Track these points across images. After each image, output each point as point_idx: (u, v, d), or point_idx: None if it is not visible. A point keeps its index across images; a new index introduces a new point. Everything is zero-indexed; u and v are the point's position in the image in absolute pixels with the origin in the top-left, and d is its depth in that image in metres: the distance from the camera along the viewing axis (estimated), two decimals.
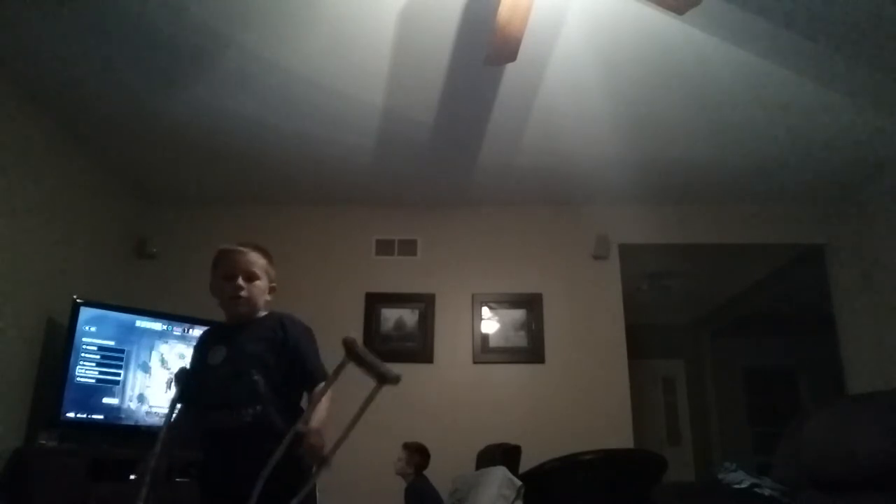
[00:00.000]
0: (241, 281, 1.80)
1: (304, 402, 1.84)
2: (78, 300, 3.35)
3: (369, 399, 1.48)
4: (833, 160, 3.81)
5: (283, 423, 1.68)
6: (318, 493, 1.73)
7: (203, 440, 1.74)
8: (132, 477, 3.07)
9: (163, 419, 3.52)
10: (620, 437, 3.95)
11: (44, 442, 3.11)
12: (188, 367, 1.88)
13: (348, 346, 1.50)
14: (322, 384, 1.69)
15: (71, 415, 3.24)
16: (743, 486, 2.31)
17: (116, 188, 4.13)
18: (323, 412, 1.66)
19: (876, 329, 4.02)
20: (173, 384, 1.84)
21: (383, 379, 1.50)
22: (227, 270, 1.82)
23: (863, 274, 4.17)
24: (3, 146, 3.10)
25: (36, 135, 3.34)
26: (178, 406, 1.84)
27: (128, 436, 3.40)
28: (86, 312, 3.37)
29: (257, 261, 1.85)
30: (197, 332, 3.73)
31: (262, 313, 1.87)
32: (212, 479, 1.73)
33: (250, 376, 1.71)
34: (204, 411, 1.75)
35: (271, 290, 1.89)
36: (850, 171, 3.94)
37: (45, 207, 3.41)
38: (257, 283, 1.83)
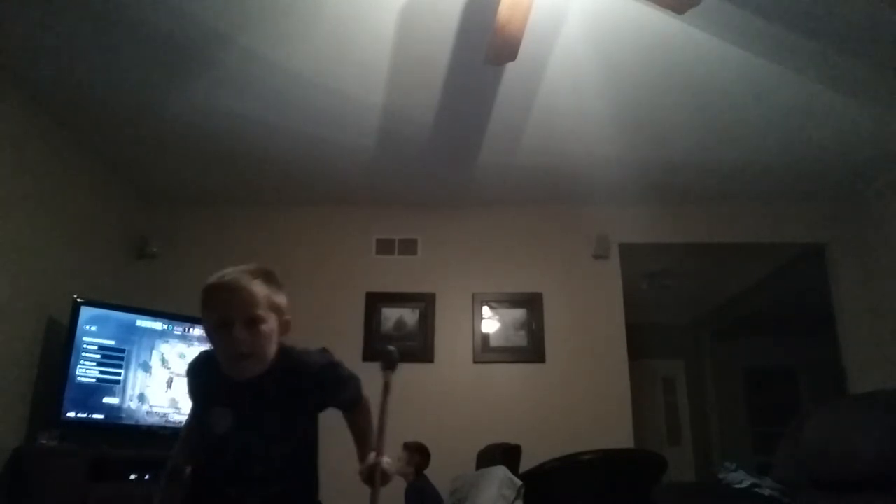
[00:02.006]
0: (239, 332, 1.33)
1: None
2: (78, 300, 3.35)
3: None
4: (833, 160, 3.81)
5: (304, 495, 1.46)
6: None
7: None
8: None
9: (163, 418, 3.53)
10: (620, 437, 3.95)
11: (44, 442, 3.11)
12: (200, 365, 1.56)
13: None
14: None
15: (71, 414, 3.24)
16: (743, 486, 2.31)
17: (116, 188, 4.14)
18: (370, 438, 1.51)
19: (876, 329, 4.02)
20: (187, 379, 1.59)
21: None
22: (219, 316, 1.34)
23: (863, 274, 4.17)
24: (2, 146, 3.10)
25: (36, 135, 3.34)
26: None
27: (128, 436, 3.40)
28: (86, 312, 3.37)
29: (257, 295, 1.35)
30: (198, 331, 3.73)
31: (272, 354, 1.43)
32: None
33: (270, 455, 1.39)
34: (209, 477, 1.44)
35: (284, 328, 1.42)
36: (850, 171, 3.94)
37: (45, 207, 3.41)
38: (263, 328, 1.35)
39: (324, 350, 1.50)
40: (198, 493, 1.44)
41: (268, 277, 1.41)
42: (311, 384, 1.43)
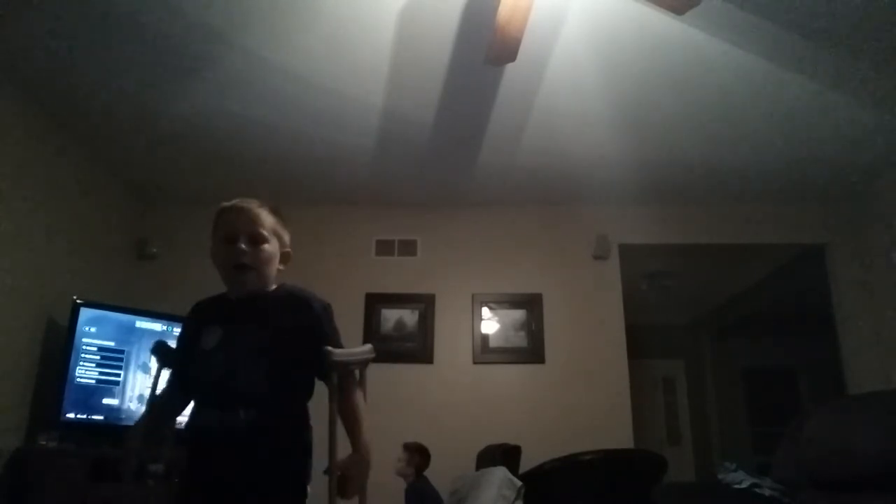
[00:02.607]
0: (243, 245, 1.47)
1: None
2: (78, 300, 3.35)
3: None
4: (833, 160, 3.81)
5: (284, 430, 1.44)
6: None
7: (190, 439, 1.46)
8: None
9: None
10: (620, 437, 3.95)
11: (44, 442, 3.11)
12: (171, 342, 1.61)
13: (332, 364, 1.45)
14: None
15: (71, 415, 3.24)
16: (743, 486, 2.31)
17: (116, 188, 4.14)
18: (367, 430, 1.47)
19: (876, 329, 4.02)
20: (152, 360, 1.59)
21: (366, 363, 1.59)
22: (226, 232, 1.49)
23: (863, 274, 4.17)
24: (2, 147, 3.10)
25: (36, 135, 3.34)
26: (163, 387, 1.59)
27: None
28: (86, 313, 3.37)
29: (264, 219, 1.51)
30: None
31: (273, 286, 1.54)
32: (195, 487, 1.43)
33: (250, 371, 1.41)
34: (196, 406, 1.48)
35: (284, 258, 1.56)
36: (850, 171, 3.94)
37: (44, 208, 3.41)
38: (265, 247, 1.49)
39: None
40: (189, 428, 1.47)
41: (275, 210, 1.55)
42: (305, 313, 1.50)
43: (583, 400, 4.08)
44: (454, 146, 3.74)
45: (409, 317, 4.31)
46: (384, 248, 4.48)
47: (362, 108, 3.32)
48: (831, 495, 1.90)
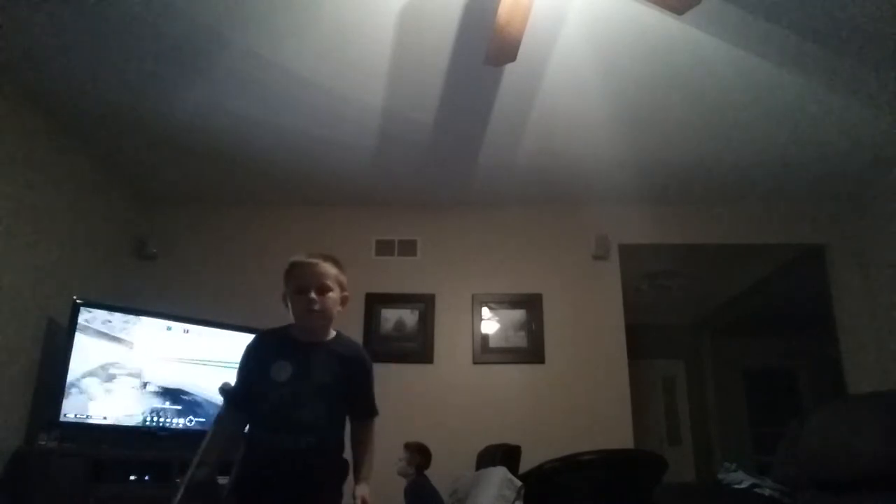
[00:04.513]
0: (314, 295, 1.79)
1: None
2: (78, 300, 3.35)
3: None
4: (833, 160, 3.81)
5: (334, 453, 1.80)
6: None
7: (252, 456, 1.73)
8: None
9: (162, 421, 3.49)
10: (620, 437, 3.95)
11: (44, 442, 3.10)
12: (242, 374, 1.85)
13: None
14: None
15: (71, 416, 3.24)
16: (743, 486, 2.31)
17: (116, 188, 4.14)
18: (371, 464, 1.87)
19: (876, 329, 4.02)
20: (221, 398, 1.85)
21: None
22: (299, 284, 1.81)
23: (863, 274, 4.17)
24: (2, 146, 3.10)
25: (36, 135, 3.34)
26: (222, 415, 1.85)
27: (128, 437, 3.39)
28: (86, 312, 3.37)
29: (329, 272, 1.84)
30: (196, 330, 3.72)
31: (332, 334, 1.87)
32: (251, 495, 1.71)
33: (314, 406, 1.73)
34: (260, 428, 1.74)
35: (344, 301, 1.89)
36: (850, 171, 3.94)
37: (45, 207, 3.41)
38: (330, 294, 1.82)
39: None
40: (253, 447, 1.74)
41: (335, 261, 1.90)
42: (353, 362, 1.84)
43: (583, 400, 4.08)
44: (454, 146, 3.74)
45: (409, 317, 4.31)
46: (384, 248, 4.48)
47: (362, 107, 3.32)
48: (831, 495, 1.90)
